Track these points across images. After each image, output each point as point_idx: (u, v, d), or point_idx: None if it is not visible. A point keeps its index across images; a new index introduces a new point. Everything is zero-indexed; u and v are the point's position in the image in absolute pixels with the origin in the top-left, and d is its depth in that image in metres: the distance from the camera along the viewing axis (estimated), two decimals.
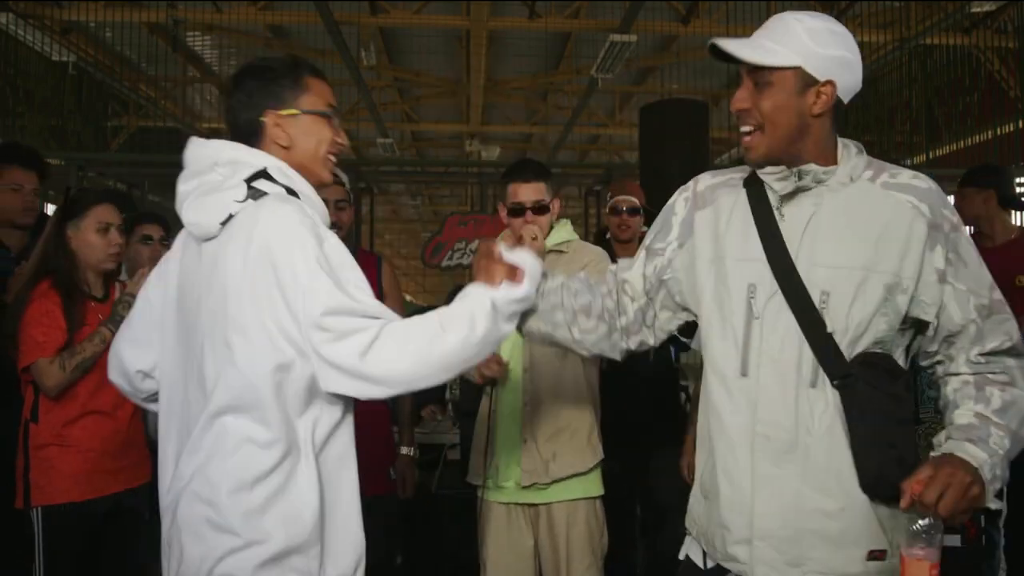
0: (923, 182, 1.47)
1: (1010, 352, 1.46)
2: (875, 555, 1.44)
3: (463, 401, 4.12)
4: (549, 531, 2.55)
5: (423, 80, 10.95)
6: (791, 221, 1.48)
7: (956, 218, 1.48)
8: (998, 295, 1.49)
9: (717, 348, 1.54)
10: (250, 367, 1.43)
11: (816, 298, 1.42)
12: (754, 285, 1.48)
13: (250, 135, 1.58)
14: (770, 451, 1.44)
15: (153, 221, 3.22)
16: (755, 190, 1.54)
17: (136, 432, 2.64)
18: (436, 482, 4.11)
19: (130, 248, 2.90)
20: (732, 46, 1.45)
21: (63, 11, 8.08)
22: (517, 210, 2.58)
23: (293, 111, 1.57)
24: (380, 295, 1.66)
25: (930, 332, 1.48)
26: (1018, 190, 5.00)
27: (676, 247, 1.64)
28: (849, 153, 1.52)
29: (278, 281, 1.42)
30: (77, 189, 2.68)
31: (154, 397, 1.68)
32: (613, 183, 4.03)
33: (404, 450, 2.93)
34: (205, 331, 1.49)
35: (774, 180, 1.49)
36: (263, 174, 1.52)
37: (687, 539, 1.68)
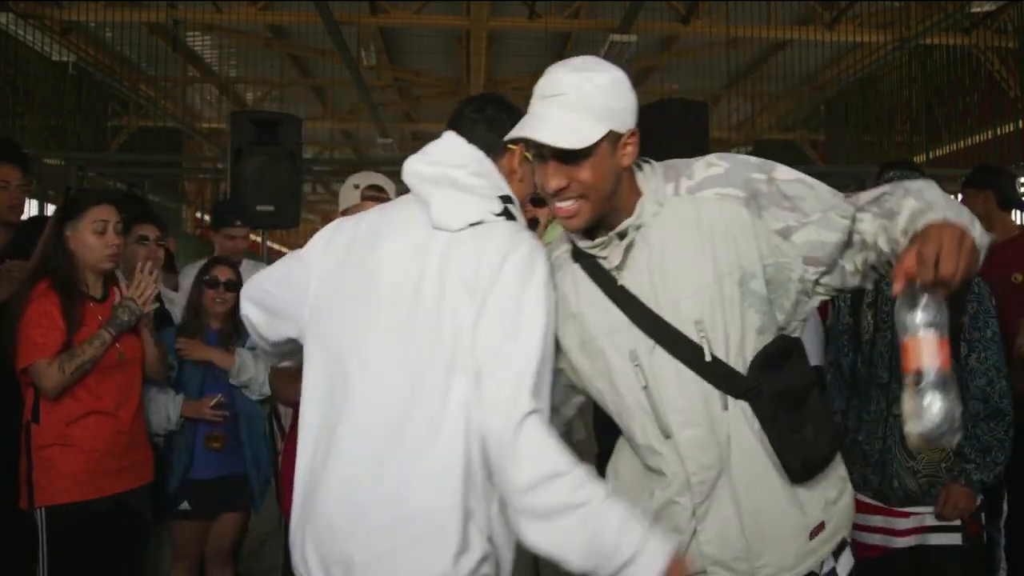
0: (717, 167, 1.45)
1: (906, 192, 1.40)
2: (815, 532, 1.46)
3: None
4: None
5: (423, 80, 10.95)
6: (633, 275, 1.45)
7: (766, 171, 1.44)
8: (847, 197, 1.46)
9: (634, 425, 1.48)
10: None
11: (694, 331, 1.41)
12: (634, 351, 1.45)
13: (487, 151, 1.58)
14: (705, 490, 1.44)
15: (150, 221, 3.22)
16: (588, 261, 1.50)
17: (139, 431, 2.64)
18: None
19: (127, 248, 2.90)
20: (544, 136, 1.38)
21: (63, 11, 8.08)
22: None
23: (530, 157, 1.55)
24: None
25: (844, 266, 1.44)
26: (1020, 190, 4.99)
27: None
28: (646, 178, 1.49)
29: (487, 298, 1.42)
30: (77, 190, 2.67)
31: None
32: None
33: None
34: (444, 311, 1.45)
35: (604, 252, 1.47)
36: (510, 200, 1.55)
37: None
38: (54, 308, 2.46)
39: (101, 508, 2.51)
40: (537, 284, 1.43)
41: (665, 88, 10.27)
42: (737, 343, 1.41)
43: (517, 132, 1.42)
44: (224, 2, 8.23)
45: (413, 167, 1.57)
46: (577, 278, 1.51)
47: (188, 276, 3.75)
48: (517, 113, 1.57)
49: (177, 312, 3.28)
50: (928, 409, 1.20)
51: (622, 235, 1.44)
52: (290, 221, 4.98)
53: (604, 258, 1.47)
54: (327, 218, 13.28)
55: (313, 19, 7.60)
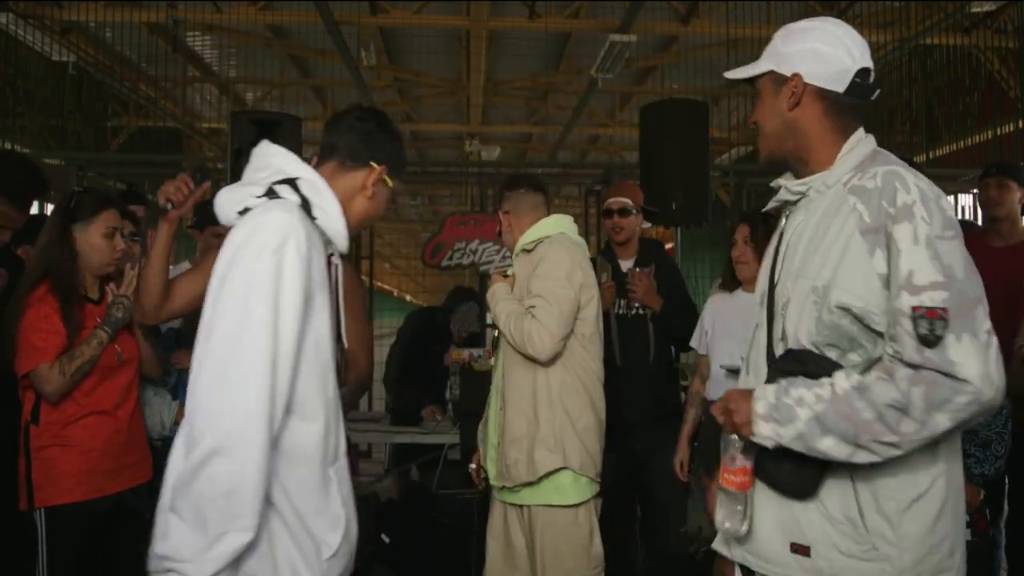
0: (874, 181, 1.44)
1: (901, 360, 1.38)
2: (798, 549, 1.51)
3: (463, 401, 4.12)
4: (530, 534, 2.62)
5: (423, 80, 10.94)
6: (787, 236, 1.59)
7: (893, 205, 1.41)
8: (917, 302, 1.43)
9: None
10: None
11: (779, 306, 1.52)
12: (763, 294, 1.63)
13: (340, 160, 1.67)
14: None
15: (124, 216, 3.20)
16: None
17: (137, 431, 2.64)
18: (436, 482, 4.11)
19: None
20: (731, 73, 1.63)
21: (63, 11, 8.08)
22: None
23: (391, 183, 1.71)
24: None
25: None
26: None
27: None
28: (851, 153, 1.53)
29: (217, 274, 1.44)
30: (81, 190, 2.66)
31: None
32: (610, 186, 4.04)
33: None
34: None
35: (778, 194, 1.64)
36: (290, 182, 1.55)
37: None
38: (53, 312, 2.45)
39: (100, 508, 2.51)
40: (244, 269, 1.39)
41: (665, 88, 10.27)
42: (791, 340, 1.51)
43: (726, 73, 1.68)
44: (224, 2, 8.23)
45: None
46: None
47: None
48: (397, 140, 1.73)
49: None
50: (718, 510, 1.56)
51: (776, 192, 1.66)
52: None
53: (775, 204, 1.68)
54: None
55: (313, 19, 7.60)
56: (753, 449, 1.49)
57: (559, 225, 2.72)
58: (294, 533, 1.47)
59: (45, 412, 2.47)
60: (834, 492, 1.45)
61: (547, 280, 2.57)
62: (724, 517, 1.54)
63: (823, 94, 1.52)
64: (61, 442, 2.46)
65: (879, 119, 10.06)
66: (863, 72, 1.52)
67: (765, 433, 1.45)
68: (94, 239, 2.55)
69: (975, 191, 6.68)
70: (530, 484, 2.57)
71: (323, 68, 10.23)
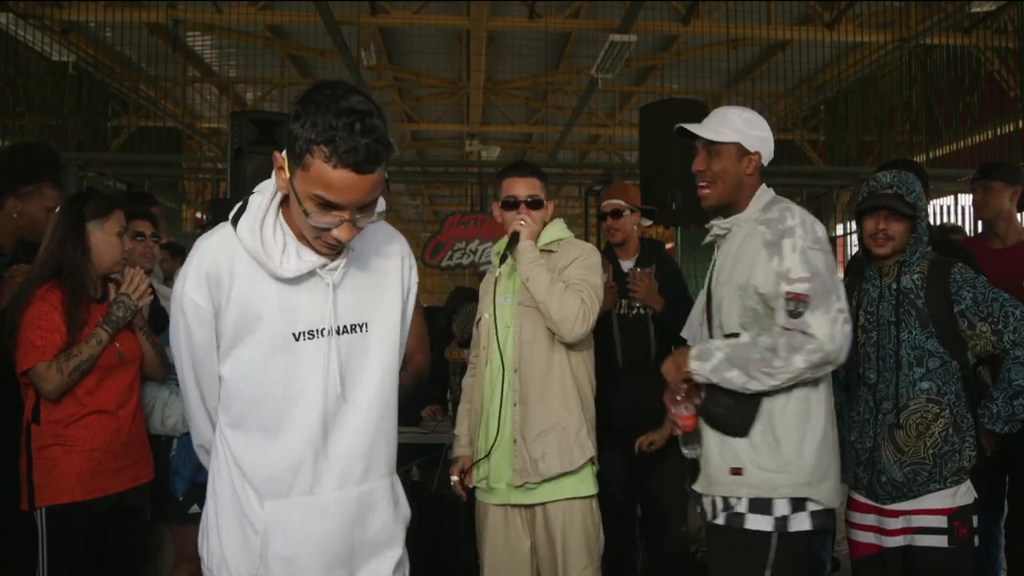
0: (773, 213, 2.16)
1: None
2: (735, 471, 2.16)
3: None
4: (545, 532, 2.57)
5: (423, 80, 10.96)
6: (719, 259, 2.31)
7: (782, 227, 2.12)
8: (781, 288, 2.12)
9: None
10: None
11: (714, 309, 2.27)
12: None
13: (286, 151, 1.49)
14: None
15: (144, 217, 3.21)
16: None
17: (139, 431, 2.64)
18: (436, 482, 4.11)
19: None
20: (695, 129, 2.31)
21: (63, 11, 8.09)
22: (511, 203, 2.67)
23: (287, 172, 1.48)
24: None
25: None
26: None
27: None
28: (758, 200, 2.25)
29: None
30: (91, 189, 2.66)
31: None
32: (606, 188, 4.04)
33: None
34: None
35: (712, 231, 2.36)
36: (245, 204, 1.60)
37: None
38: (55, 310, 2.44)
39: (101, 508, 2.51)
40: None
41: (665, 88, 10.27)
42: (721, 326, 2.25)
43: (680, 125, 2.40)
44: (224, 2, 8.24)
45: None
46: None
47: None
48: (307, 116, 1.41)
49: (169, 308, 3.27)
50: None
51: (717, 230, 2.34)
52: None
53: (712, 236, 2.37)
54: None
55: (313, 19, 7.61)
56: (694, 400, 2.18)
57: (567, 229, 2.78)
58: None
59: (46, 411, 2.47)
60: (757, 429, 2.13)
61: (591, 274, 2.61)
62: (687, 447, 2.30)
63: (761, 165, 2.29)
64: (62, 442, 2.45)
65: (879, 119, 10.06)
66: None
67: (694, 368, 2.12)
68: (109, 238, 2.55)
69: None
70: (549, 480, 2.54)
71: (323, 68, 10.23)
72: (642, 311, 3.37)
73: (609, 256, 3.49)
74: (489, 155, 12.40)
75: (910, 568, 2.41)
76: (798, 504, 2.11)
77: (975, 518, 2.37)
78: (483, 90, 10.31)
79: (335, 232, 1.48)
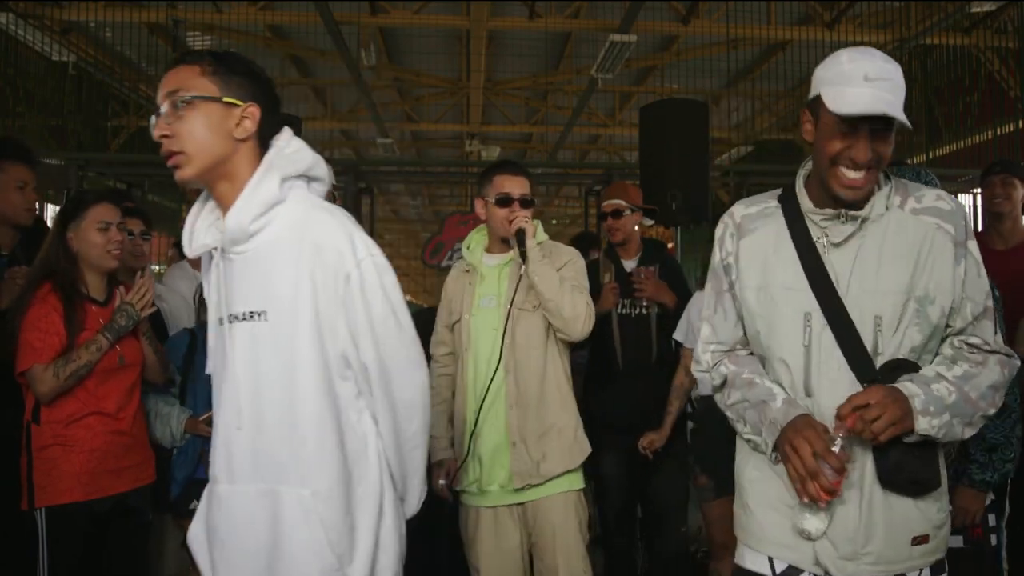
0: (946, 203, 1.65)
1: (983, 349, 1.65)
2: (919, 541, 1.63)
3: None
4: (541, 525, 2.57)
5: (423, 80, 10.95)
6: (841, 256, 1.64)
7: (970, 228, 1.66)
8: (990, 302, 1.67)
9: (780, 370, 1.68)
10: None
11: (870, 323, 1.60)
12: (808, 314, 1.63)
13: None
14: None
15: (135, 215, 3.21)
16: (799, 225, 1.69)
17: (139, 433, 2.64)
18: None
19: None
20: (895, 111, 1.55)
21: (63, 11, 8.08)
22: (505, 200, 2.63)
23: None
24: None
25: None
26: None
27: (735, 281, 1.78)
28: (882, 181, 1.67)
29: None
30: (76, 191, 2.68)
31: None
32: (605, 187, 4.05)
33: None
34: None
35: (829, 224, 1.66)
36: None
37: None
38: (54, 312, 2.45)
39: (101, 508, 2.51)
40: None
41: (665, 88, 10.27)
42: (893, 351, 1.61)
43: (886, 112, 1.54)
44: (224, 2, 8.23)
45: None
46: (781, 233, 1.70)
47: (173, 276, 3.75)
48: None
49: (164, 308, 3.28)
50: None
51: (850, 219, 1.63)
52: None
53: (823, 229, 1.66)
54: None
55: (313, 19, 7.60)
56: (836, 456, 1.54)
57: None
58: None
59: (46, 411, 2.47)
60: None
61: (583, 277, 2.65)
62: (811, 523, 1.60)
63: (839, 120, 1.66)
64: (62, 442, 2.46)
65: None
66: None
67: (922, 427, 1.54)
68: (89, 235, 2.56)
69: (975, 191, 6.68)
70: (554, 478, 2.56)
71: (323, 68, 10.23)
72: (644, 311, 3.36)
73: (611, 256, 3.49)
74: (489, 155, 12.39)
75: None
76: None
77: (991, 517, 2.36)
78: (483, 90, 10.30)
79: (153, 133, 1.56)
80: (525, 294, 2.58)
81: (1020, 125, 7.75)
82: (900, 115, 1.55)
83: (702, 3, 8.30)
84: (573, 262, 2.66)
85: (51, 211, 6.84)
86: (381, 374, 1.60)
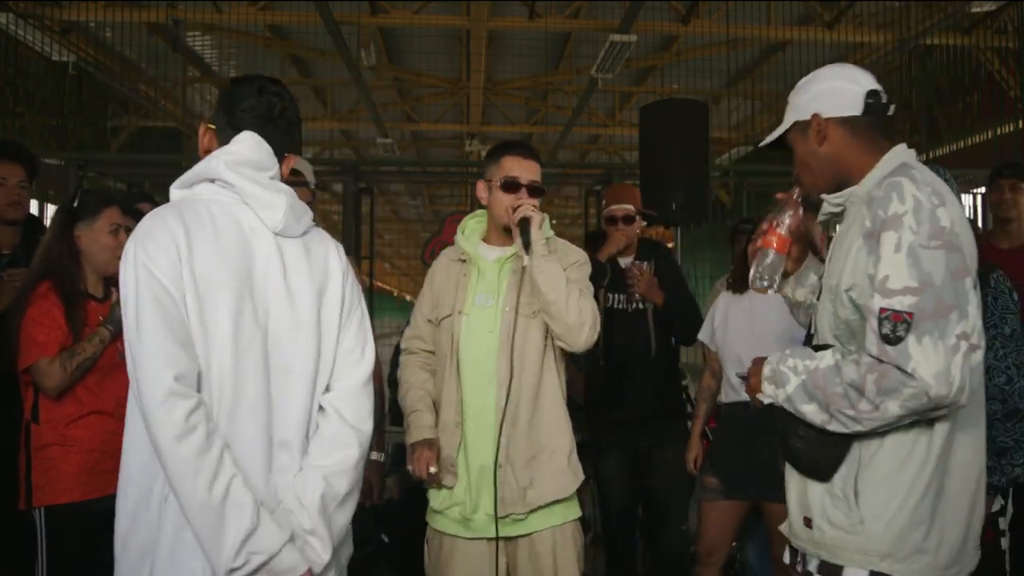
0: (879, 190, 1.59)
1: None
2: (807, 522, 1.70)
3: None
4: (532, 563, 2.26)
5: (423, 80, 10.95)
6: (832, 244, 1.74)
7: (885, 214, 1.55)
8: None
9: None
10: None
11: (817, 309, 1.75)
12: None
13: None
14: None
15: (135, 215, 3.20)
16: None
17: None
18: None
19: None
20: (765, 141, 1.83)
21: (63, 11, 8.08)
22: (512, 184, 2.28)
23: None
24: None
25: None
26: None
27: None
28: (876, 168, 1.67)
29: None
30: (83, 190, 2.66)
31: None
32: (608, 189, 4.03)
33: (372, 455, 2.78)
34: None
35: (823, 208, 1.78)
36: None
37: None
38: (55, 308, 2.45)
39: (100, 508, 2.50)
40: None
41: (665, 88, 10.27)
42: (822, 338, 1.72)
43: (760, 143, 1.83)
44: (224, 2, 8.24)
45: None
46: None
47: None
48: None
49: None
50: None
51: (825, 207, 1.77)
52: None
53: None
54: (325, 217, 13.27)
55: (313, 19, 7.60)
56: (787, 217, 1.81)
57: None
58: None
59: (45, 411, 2.46)
60: (840, 472, 1.62)
61: (588, 282, 2.36)
62: (759, 278, 1.82)
63: (844, 121, 1.69)
64: (61, 441, 2.45)
65: None
66: (873, 93, 1.69)
67: (767, 392, 1.68)
68: (100, 237, 2.55)
69: (975, 191, 6.68)
70: (543, 507, 2.25)
71: (323, 68, 10.23)
72: (641, 306, 3.37)
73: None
74: None
75: None
76: None
77: (1001, 520, 2.35)
78: (483, 90, 10.31)
79: None
80: (529, 297, 2.26)
81: (1020, 125, 7.75)
82: (767, 140, 1.83)
83: (702, 3, 8.30)
84: (581, 264, 2.34)
85: (51, 211, 6.83)
86: None
